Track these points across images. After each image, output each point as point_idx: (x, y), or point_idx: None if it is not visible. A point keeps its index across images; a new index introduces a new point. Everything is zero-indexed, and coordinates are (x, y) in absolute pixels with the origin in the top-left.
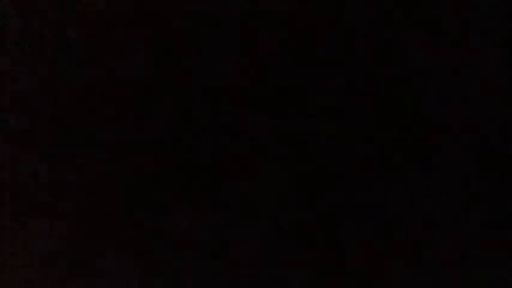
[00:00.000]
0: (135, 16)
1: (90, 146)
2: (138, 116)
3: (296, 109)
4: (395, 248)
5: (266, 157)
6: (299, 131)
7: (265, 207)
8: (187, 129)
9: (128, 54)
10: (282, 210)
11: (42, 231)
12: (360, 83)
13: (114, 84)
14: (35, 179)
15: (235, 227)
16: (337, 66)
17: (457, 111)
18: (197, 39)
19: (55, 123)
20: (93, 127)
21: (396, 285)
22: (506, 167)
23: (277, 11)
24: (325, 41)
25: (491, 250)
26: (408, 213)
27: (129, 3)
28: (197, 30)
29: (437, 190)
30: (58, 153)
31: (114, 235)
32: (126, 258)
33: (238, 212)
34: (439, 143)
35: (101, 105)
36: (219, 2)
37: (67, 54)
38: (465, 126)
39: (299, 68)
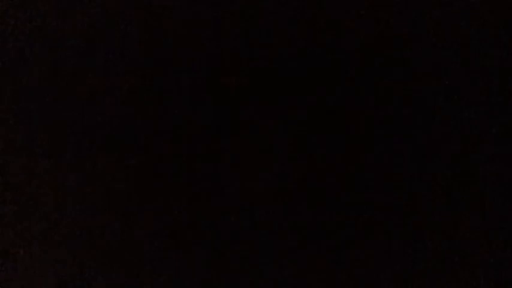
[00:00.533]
0: (136, 16)
1: (90, 146)
2: (139, 116)
3: (296, 109)
4: (395, 247)
5: (266, 156)
6: (299, 130)
7: (265, 207)
8: (187, 129)
9: (127, 53)
10: (282, 210)
11: (43, 231)
12: (360, 82)
13: (114, 85)
14: (35, 179)
15: (235, 226)
16: (338, 66)
17: (457, 111)
18: (197, 38)
19: (55, 123)
20: (93, 127)
21: (396, 285)
22: (507, 167)
23: (277, 11)
24: (325, 41)
25: (491, 250)
26: (408, 213)
27: (129, 3)
28: (197, 29)
29: (438, 190)
30: (58, 153)
31: (114, 235)
32: (126, 258)
33: (238, 211)
34: (439, 143)
35: (101, 105)
36: (219, 1)
37: (67, 53)
38: (465, 126)
39: (299, 68)
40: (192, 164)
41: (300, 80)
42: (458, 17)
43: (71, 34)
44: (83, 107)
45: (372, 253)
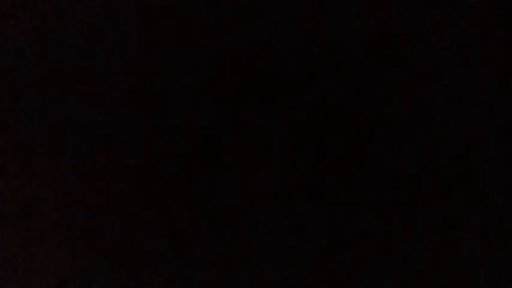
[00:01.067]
0: (136, 16)
1: (90, 146)
2: (139, 116)
3: (296, 109)
4: (395, 247)
5: (266, 156)
6: (299, 130)
7: (265, 207)
8: (187, 129)
9: (127, 53)
10: (282, 210)
11: (43, 232)
12: (360, 82)
13: (114, 85)
14: (35, 179)
15: (235, 226)
16: (338, 66)
17: (457, 111)
18: (197, 38)
19: (55, 123)
20: (93, 127)
21: (396, 285)
22: (507, 167)
23: (277, 11)
24: (326, 41)
25: (491, 250)
26: (408, 213)
27: (129, 3)
28: (197, 29)
29: (438, 190)
30: (58, 153)
31: (114, 235)
32: (126, 258)
33: (238, 211)
34: (439, 143)
35: (101, 105)
36: (219, 1)
37: (67, 53)
38: (465, 126)
39: (299, 68)
40: (192, 164)
41: (300, 80)
42: (458, 17)
43: (71, 34)
44: (83, 107)
45: (372, 253)
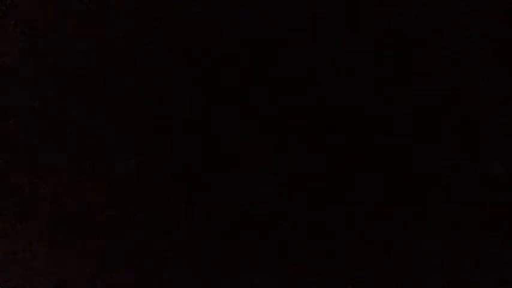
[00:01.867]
0: (135, 16)
1: (90, 146)
2: (139, 116)
3: (296, 109)
4: (395, 247)
5: (266, 156)
6: (299, 130)
7: (265, 207)
8: (187, 129)
9: (128, 53)
10: (282, 210)
11: (43, 232)
12: (361, 82)
13: (114, 84)
14: (35, 179)
15: (235, 226)
16: (338, 66)
17: (457, 111)
18: (197, 38)
19: (55, 123)
20: (93, 127)
21: (396, 285)
22: (507, 166)
23: (277, 11)
24: (326, 41)
25: (491, 250)
26: (408, 213)
27: (129, 3)
28: (197, 29)
29: (438, 189)
30: (58, 153)
31: (114, 235)
32: (126, 258)
33: (238, 211)
34: (440, 143)
35: (101, 105)
36: (219, 1)
37: (67, 53)
38: (465, 126)
39: (299, 68)
40: (192, 164)
41: (300, 80)
42: (458, 17)
43: (71, 34)
44: (83, 107)
45: (372, 252)
